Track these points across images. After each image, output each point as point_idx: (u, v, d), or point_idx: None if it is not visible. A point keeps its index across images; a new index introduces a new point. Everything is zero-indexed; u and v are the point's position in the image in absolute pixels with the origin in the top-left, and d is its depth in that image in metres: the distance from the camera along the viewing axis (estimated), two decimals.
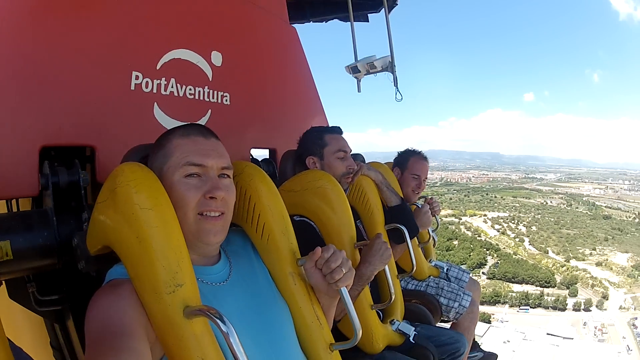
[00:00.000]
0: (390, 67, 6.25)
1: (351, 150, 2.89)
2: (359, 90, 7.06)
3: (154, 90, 2.55)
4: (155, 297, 1.21)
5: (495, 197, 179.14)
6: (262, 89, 3.57)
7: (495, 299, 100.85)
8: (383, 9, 6.66)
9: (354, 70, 6.49)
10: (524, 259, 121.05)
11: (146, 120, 2.53)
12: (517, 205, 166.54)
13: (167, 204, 1.34)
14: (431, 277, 3.94)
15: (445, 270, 4.12)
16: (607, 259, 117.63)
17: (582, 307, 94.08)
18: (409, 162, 4.06)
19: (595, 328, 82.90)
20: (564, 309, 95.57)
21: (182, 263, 1.26)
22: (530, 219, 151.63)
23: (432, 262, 4.15)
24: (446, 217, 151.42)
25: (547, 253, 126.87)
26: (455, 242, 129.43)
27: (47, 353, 2.55)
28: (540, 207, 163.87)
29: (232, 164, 1.66)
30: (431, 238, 4.05)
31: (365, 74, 6.49)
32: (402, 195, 3.57)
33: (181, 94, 2.74)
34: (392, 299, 2.50)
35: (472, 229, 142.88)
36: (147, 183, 1.33)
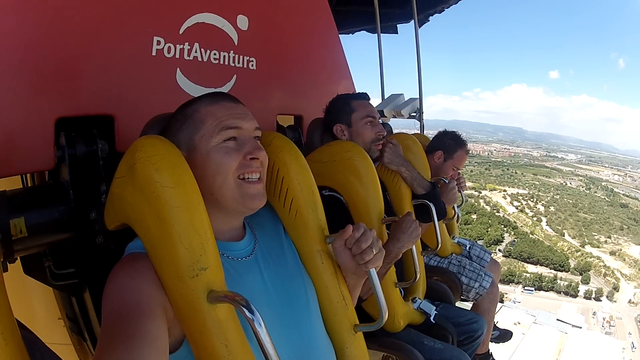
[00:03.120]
0: (418, 114, 5.91)
1: (379, 117, 2.69)
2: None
3: (177, 56, 2.37)
4: (177, 281, 1.13)
5: (516, 172, 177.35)
6: (288, 53, 3.32)
7: (509, 278, 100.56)
8: (413, 20, 6.33)
9: (379, 113, 5.37)
10: (540, 239, 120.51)
11: (168, 86, 2.36)
12: (537, 183, 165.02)
13: (190, 182, 1.21)
14: (453, 254, 3.79)
15: (467, 248, 3.99)
16: (621, 249, 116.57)
17: (593, 295, 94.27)
18: (457, 153, 3.73)
19: (604, 320, 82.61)
20: (575, 296, 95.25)
21: (206, 245, 1.16)
22: (549, 198, 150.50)
23: (455, 238, 3.97)
24: (466, 190, 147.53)
25: (564, 236, 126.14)
26: (474, 216, 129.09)
27: (57, 326, 2.44)
28: (559, 187, 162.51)
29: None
30: (455, 214, 3.81)
31: (391, 118, 5.91)
32: (430, 175, 3.22)
33: (205, 59, 2.55)
34: (417, 278, 2.44)
35: (491, 204, 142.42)
36: (169, 158, 1.20)
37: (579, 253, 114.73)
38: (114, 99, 2.09)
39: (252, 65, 2.89)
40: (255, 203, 1.40)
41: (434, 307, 2.65)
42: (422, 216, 2.73)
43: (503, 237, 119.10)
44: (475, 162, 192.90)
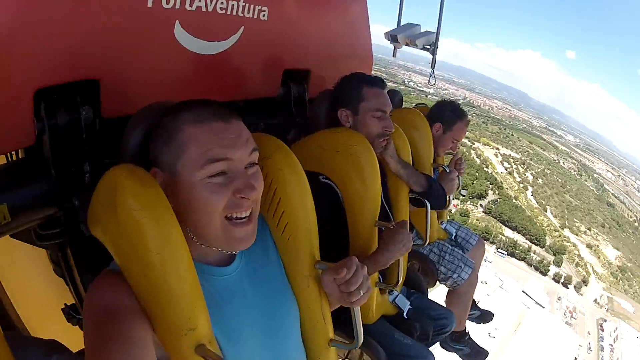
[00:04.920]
0: (432, 48, 5.00)
1: (391, 108, 2.39)
2: (394, 56, 5.79)
3: (177, 6, 2.00)
4: (167, 337, 1.12)
5: (512, 134, 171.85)
6: (304, 2, 2.90)
7: (485, 236, 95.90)
8: None
9: (392, 38, 5.09)
10: (523, 207, 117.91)
11: (164, 41, 2.03)
12: (531, 152, 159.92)
13: (179, 239, 1.13)
14: (438, 240, 3.58)
15: (453, 235, 3.82)
16: (598, 245, 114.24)
17: (562, 280, 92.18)
18: (456, 125, 3.49)
19: (567, 308, 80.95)
20: (544, 274, 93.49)
21: (195, 308, 1.13)
22: (539, 170, 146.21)
23: (443, 224, 3.78)
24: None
25: (546, 211, 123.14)
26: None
27: (52, 280, 2.22)
28: (551, 163, 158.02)
29: (258, 139, 1.39)
30: (449, 202, 3.34)
31: (403, 46, 5.17)
32: (433, 151, 3.18)
33: (210, 9, 2.17)
34: (399, 284, 2.36)
35: (481, 158, 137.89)
36: (156, 219, 1.10)
37: (557, 233, 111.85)
38: (99, 61, 1.80)
39: (264, 15, 2.50)
40: (240, 246, 1.29)
41: (408, 303, 2.60)
42: (415, 201, 2.74)
43: (487, 194, 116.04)
44: (474, 114, 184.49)
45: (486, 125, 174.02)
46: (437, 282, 3.37)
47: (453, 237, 3.79)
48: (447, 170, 3.21)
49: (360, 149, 2.03)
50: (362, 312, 2.01)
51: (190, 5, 2.03)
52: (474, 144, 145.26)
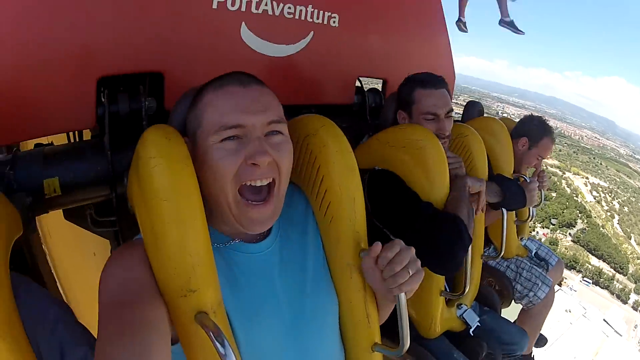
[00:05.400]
0: None
1: (450, 109, 2.23)
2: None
3: (243, 9, 2.09)
4: (167, 296, 1.05)
5: (601, 164, 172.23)
6: (377, 10, 2.86)
7: (572, 265, 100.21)
8: None
9: None
10: (609, 235, 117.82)
11: (230, 41, 2.12)
12: (618, 180, 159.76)
13: (189, 194, 1.07)
14: (516, 257, 3.45)
15: (533, 252, 3.62)
16: None
17: None
18: (542, 141, 3.37)
19: None
20: (625, 302, 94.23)
21: (198, 267, 1.05)
22: (625, 198, 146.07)
23: (523, 240, 3.57)
24: (552, 167, 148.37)
25: (630, 239, 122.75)
26: (554, 194, 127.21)
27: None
28: (637, 190, 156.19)
29: (305, 118, 1.44)
30: (530, 216, 3.32)
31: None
32: (514, 166, 3.01)
33: (277, 13, 2.23)
34: (465, 292, 2.16)
35: (571, 187, 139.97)
36: (168, 164, 1.06)
37: (639, 261, 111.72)
38: (164, 55, 1.90)
39: (334, 22, 2.52)
40: (255, 228, 1.19)
41: (477, 319, 2.39)
42: (494, 206, 2.56)
43: (576, 222, 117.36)
44: (565, 143, 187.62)
45: (576, 154, 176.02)
46: (513, 301, 3.25)
47: (533, 255, 3.56)
48: (528, 181, 2.94)
49: (428, 144, 1.91)
50: (424, 324, 2.13)
51: (257, 9, 2.08)
52: (564, 173, 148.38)
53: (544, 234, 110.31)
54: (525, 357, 3.24)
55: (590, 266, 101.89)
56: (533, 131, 3.37)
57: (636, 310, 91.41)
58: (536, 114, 3.58)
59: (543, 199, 3.42)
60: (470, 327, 2.34)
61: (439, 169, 1.94)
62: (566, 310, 72.61)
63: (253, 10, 2.10)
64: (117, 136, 1.73)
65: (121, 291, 1.00)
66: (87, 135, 2.07)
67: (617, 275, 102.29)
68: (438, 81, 2.22)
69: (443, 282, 2.15)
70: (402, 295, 1.28)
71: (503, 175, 2.74)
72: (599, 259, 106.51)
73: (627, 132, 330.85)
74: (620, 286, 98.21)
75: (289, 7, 2.25)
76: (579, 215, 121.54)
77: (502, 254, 2.63)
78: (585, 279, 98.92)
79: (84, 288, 2.88)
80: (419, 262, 1.27)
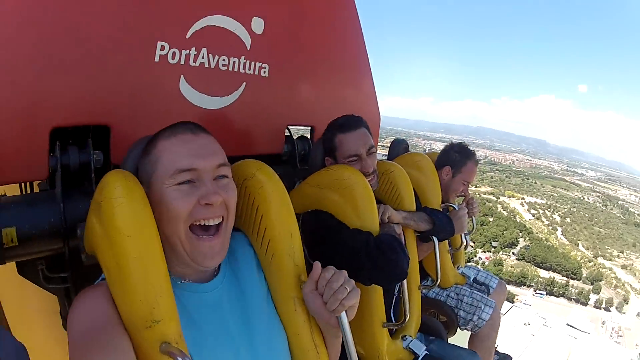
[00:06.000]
0: None
1: (371, 146, 2.30)
2: None
3: (182, 62, 2.12)
4: (133, 328, 1.09)
5: (535, 183, 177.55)
6: (305, 59, 2.88)
7: (521, 281, 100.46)
8: None
9: None
10: (555, 246, 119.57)
11: (170, 95, 2.13)
12: (555, 195, 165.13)
13: (149, 230, 1.15)
14: (456, 285, 3.40)
15: (471, 279, 3.56)
16: (632, 264, 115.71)
17: (603, 305, 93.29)
18: (465, 167, 3.39)
19: (613, 329, 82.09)
20: (585, 304, 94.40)
21: (161, 298, 1.11)
22: (565, 210, 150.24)
23: (460, 269, 3.56)
24: (485, 194, 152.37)
25: (577, 246, 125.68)
26: (491, 219, 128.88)
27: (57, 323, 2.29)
28: (577, 201, 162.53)
29: (242, 164, 1.55)
30: (463, 243, 3.40)
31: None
32: (442, 196, 3.09)
33: (213, 66, 2.27)
34: (406, 320, 2.25)
35: (508, 209, 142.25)
36: (130, 203, 1.14)
37: (591, 263, 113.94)
38: (110, 108, 1.91)
39: (265, 72, 2.58)
40: (207, 263, 1.26)
41: (424, 347, 2.42)
42: (423, 237, 2.67)
43: (518, 241, 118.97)
44: (497, 170, 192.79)
45: (509, 178, 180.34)
46: (458, 328, 3.26)
47: (472, 281, 3.57)
48: (456, 208, 3.03)
49: (354, 181, 1.99)
50: (370, 357, 2.21)
51: (194, 62, 2.17)
52: (498, 198, 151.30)
53: (486, 257, 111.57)
54: None
55: (540, 279, 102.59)
56: (454, 158, 3.43)
57: (599, 308, 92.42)
58: (456, 142, 3.66)
59: (475, 225, 3.68)
60: (419, 356, 2.39)
61: (367, 205, 2.02)
62: (525, 324, 71.28)
63: (191, 63, 2.18)
64: (67, 188, 1.78)
65: (88, 328, 1.04)
66: (35, 187, 2.15)
67: (572, 282, 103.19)
68: (355, 122, 2.33)
69: (383, 312, 2.21)
70: (344, 315, 1.34)
71: (429, 207, 2.84)
72: (549, 270, 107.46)
73: (559, 148, 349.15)
74: (577, 290, 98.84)
75: (224, 59, 2.33)
76: (520, 234, 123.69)
77: (438, 283, 2.79)
78: (538, 291, 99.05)
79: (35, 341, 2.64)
80: (353, 282, 1.35)
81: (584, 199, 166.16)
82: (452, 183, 3.39)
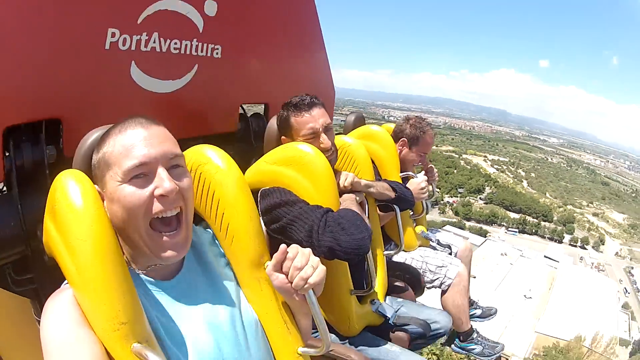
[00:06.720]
0: None
1: (327, 123, 2.27)
2: None
3: (133, 47, 2.06)
4: (102, 332, 1.08)
5: (497, 145, 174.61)
6: (258, 38, 2.90)
7: (491, 219, 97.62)
8: None
9: None
10: (523, 192, 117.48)
11: (121, 82, 2.08)
12: (518, 155, 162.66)
13: (105, 232, 1.12)
14: (419, 247, 3.47)
15: (435, 240, 3.67)
16: (604, 213, 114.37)
17: (579, 244, 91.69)
18: (421, 141, 3.38)
19: (592, 264, 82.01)
20: (560, 242, 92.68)
21: (124, 299, 1.09)
22: (529, 167, 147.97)
23: (423, 233, 3.65)
24: (446, 152, 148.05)
25: (545, 194, 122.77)
26: (455, 170, 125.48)
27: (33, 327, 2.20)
28: (540, 161, 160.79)
29: (195, 149, 1.51)
30: (424, 209, 3.62)
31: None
32: (400, 167, 3.21)
33: (164, 49, 2.23)
34: (372, 288, 2.27)
35: (471, 164, 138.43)
36: (85, 207, 1.11)
37: (561, 209, 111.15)
38: (61, 101, 1.85)
39: (217, 53, 2.57)
40: (170, 258, 1.21)
41: (394, 309, 2.47)
42: (383, 207, 2.72)
43: (484, 188, 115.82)
44: (456, 134, 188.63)
45: (470, 140, 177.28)
46: (425, 288, 3.25)
47: (435, 242, 3.62)
48: (416, 177, 3.15)
49: (312, 158, 1.95)
50: (342, 324, 2.18)
51: (146, 46, 2.08)
52: (461, 155, 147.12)
53: (454, 201, 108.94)
54: (466, 333, 3.44)
55: (511, 219, 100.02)
56: (410, 131, 3.41)
57: (575, 246, 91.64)
58: (424, 117, 3.64)
59: (434, 191, 3.73)
60: (389, 319, 2.42)
61: (326, 180, 2.01)
62: (502, 254, 71.34)
63: (142, 48, 2.12)
64: (23, 188, 1.76)
65: (61, 335, 1.04)
66: None
67: (543, 223, 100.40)
68: (310, 103, 2.30)
69: (350, 281, 2.22)
70: (311, 292, 1.31)
71: (388, 180, 2.83)
72: (518, 213, 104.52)
73: (521, 117, 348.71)
74: (550, 229, 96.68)
75: (176, 43, 2.29)
76: (485, 183, 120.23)
77: (402, 248, 2.84)
78: (510, 229, 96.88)
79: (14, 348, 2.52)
80: (318, 260, 1.32)
81: (547, 159, 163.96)
82: (408, 155, 3.36)
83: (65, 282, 1.17)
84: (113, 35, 1.93)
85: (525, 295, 57.86)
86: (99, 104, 1.94)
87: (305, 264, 1.27)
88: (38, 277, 1.80)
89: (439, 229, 3.92)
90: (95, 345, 1.04)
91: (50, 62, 1.72)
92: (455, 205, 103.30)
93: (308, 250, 1.32)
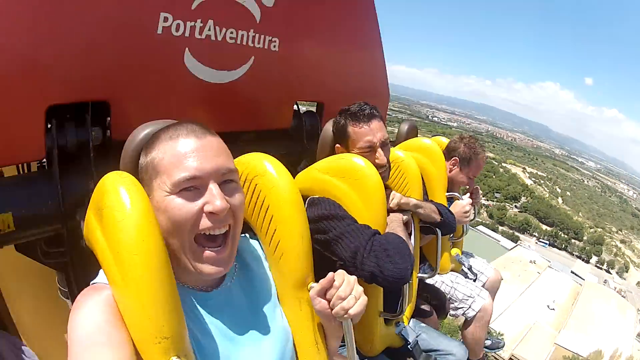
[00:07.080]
0: None
1: (385, 138, 2.18)
2: None
3: (186, 34, 2.01)
4: (141, 342, 1.05)
5: (537, 159, 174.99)
6: (316, 32, 2.81)
7: (524, 228, 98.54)
8: None
9: None
10: (558, 206, 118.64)
11: (174, 68, 2.03)
12: (556, 172, 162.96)
13: (157, 245, 1.06)
14: (451, 272, 3.42)
15: (467, 266, 3.54)
16: (631, 242, 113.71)
17: (605, 266, 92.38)
18: (473, 163, 3.28)
19: (615, 289, 78.23)
20: (587, 261, 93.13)
21: (170, 315, 1.06)
22: (566, 186, 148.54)
23: (458, 256, 3.42)
24: (487, 157, 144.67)
25: (579, 213, 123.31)
26: (494, 175, 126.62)
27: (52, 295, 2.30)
28: (576, 181, 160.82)
29: (253, 158, 1.45)
30: (464, 232, 3.44)
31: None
32: (446, 179, 3.13)
33: (220, 38, 2.16)
34: (402, 313, 2.20)
35: (509, 173, 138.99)
36: (137, 219, 1.05)
37: (592, 230, 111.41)
38: (110, 84, 1.82)
39: (274, 46, 2.49)
40: (212, 274, 1.17)
41: (415, 334, 2.42)
42: (425, 229, 2.63)
43: (520, 197, 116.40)
44: (498, 143, 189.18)
45: (510, 151, 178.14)
46: (448, 314, 3.35)
47: (467, 268, 3.57)
48: (461, 199, 3.14)
49: (367, 174, 1.94)
50: (365, 344, 2.19)
51: (200, 34, 2.06)
52: (500, 163, 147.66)
53: (489, 204, 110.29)
54: None
55: (543, 230, 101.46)
56: (463, 152, 3.32)
57: (600, 269, 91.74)
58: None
59: (476, 213, 3.61)
60: (409, 343, 2.39)
61: (377, 199, 1.96)
62: (531, 261, 72.41)
63: (197, 35, 2.07)
64: (65, 167, 1.73)
65: (92, 333, 1.00)
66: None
67: (573, 240, 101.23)
68: (369, 114, 2.19)
69: (381, 303, 2.18)
70: (349, 323, 1.31)
71: (434, 201, 2.72)
72: (551, 226, 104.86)
73: (561, 136, 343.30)
74: (579, 247, 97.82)
75: (232, 32, 2.23)
76: (522, 192, 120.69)
77: (437, 272, 2.79)
78: (541, 240, 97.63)
79: (35, 319, 2.63)
80: (362, 289, 1.30)
81: (583, 181, 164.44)
82: (458, 175, 3.29)
83: (102, 275, 1.12)
84: (166, 19, 1.91)
85: (548, 306, 58.63)
86: (151, 90, 1.96)
87: (349, 294, 1.25)
88: (70, 252, 1.84)
89: (473, 254, 3.85)
90: (126, 349, 1.00)
91: (98, 44, 1.72)
92: (490, 207, 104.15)
93: (354, 278, 1.29)
